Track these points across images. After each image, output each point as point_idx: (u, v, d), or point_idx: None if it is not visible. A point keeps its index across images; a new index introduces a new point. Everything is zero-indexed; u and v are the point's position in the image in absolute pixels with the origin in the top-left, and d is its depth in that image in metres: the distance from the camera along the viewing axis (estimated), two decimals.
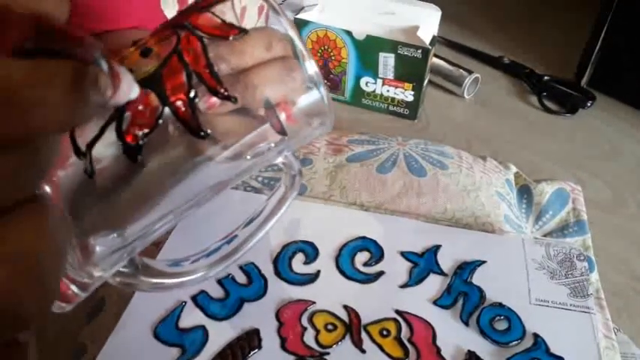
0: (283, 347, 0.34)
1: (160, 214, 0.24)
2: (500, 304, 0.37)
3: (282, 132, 0.24)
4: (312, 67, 0.23)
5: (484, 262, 0.39)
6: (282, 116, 0.24)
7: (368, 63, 0.63)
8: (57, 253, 0.15)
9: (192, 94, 0.21)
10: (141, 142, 0.21)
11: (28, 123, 0.12)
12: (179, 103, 0.21)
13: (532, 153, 0.63)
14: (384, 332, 0.35)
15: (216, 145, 0.23)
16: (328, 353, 0.34)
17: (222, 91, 0.22)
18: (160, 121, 0.21)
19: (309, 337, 0.35)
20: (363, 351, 0.34)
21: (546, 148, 0.64)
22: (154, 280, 0.26)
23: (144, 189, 0.23)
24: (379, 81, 0.64)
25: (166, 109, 0.21)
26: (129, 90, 0.18)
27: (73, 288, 0.22)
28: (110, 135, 0.21)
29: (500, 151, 0.61)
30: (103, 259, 0.22)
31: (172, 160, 0.23)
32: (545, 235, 0.47)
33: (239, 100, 0.22)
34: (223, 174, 0.25)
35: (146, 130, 0.21)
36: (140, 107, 0.21)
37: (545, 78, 0.73)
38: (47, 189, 0.21)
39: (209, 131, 0.22)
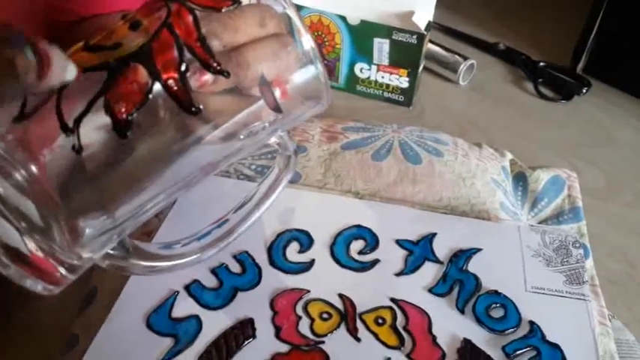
0: (278, 336, 0.34)
1: (150, 195, 0.23)
2: (496, 292, 0.36)
3: (276, 109, 0.24)
4: (308, 42, 0.23)
5: (480, 249, 0.39)
6: (277, 93, 0.23)
7: (362, 49, 0.62)
8: None
9: (183, 68, 0.21)
10: (130, 118, 0.20)
11: None
12: (170, 77, 0.20)
13: (528, 140, 0.62)
14: (380, 320, 0.35)
15: (208, 124, 0.22)
16: (323, 342, 0.34)
17: (214, 65, 0.21)
18: (150, 96, 0.20)
19: (303, 326, 0.34)
20: (358, 339, 0.34)
21: (542, 134, 0.64)
22: (146, 263, 0.26)
23: (134, 169, 0.22)
24: (374, 67, 0.63)
25: (156, 84, 0.20)
26: (62, 72, 0.17)
27: (62, 270, 0.22)
28: (99, 113, 0.20)
29: (495, 138, 0.60)
30: (92, 241, 0.22)
31: (163, 139, 0.22)
32: (540, 222, 0.47)
33: (232, 77, 0.22)
34: (215, 154, 0.25)
35: (136, 105, 0.20)
36: (129, 82, 0.20)
37: (541, 64, 0.73)
38: (34, 169, 0.20)
39: (201, 106, 0.21)
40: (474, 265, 0.38)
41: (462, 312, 0.35)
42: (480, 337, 0.34)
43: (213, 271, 0.37)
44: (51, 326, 0.42)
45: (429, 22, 0.61)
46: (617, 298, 0.48)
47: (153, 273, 0.27)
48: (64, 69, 0.17)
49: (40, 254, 0.20)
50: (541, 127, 0.65)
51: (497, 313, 0.35)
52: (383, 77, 0.63)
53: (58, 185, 0.20)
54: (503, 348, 0.33)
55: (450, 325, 0.35)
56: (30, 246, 0.20)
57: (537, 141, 0.62)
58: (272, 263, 0.38)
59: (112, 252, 0.24)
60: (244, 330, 0.34)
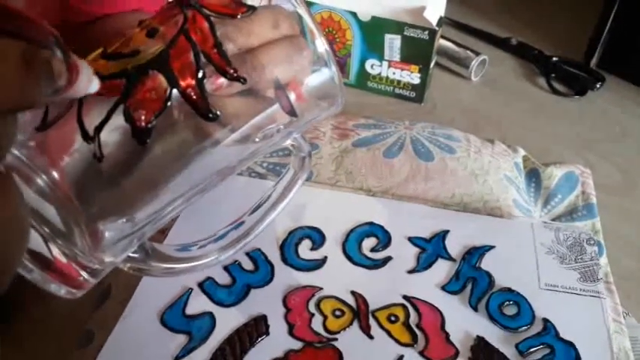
0: (291, 333, 0.34)
1: (169, 199, 0.24)
2: (510, 289, 0.36)
3: (291, 113, 0.24)
4: (322, 45, 0.23)
5: (493, 247, 0.39)
6: (292, 96, 0.23)
7: (373, 45, 0.62)
8: (18, 226, 0.15)
9: (200, 75, 0.21)
10: (150, 126, 0.20)
11: None
12: (187, 84, 0.21)
13: (540, 136, 0.62)
14: (392, 318, 0.35)
15: (224, 127, 0.22)
16: (336, 339, 0.34)
17: (231, 71, 0.21)
18: (169, 103, 0.20)
19: (316, 323, 0.34)
20: (371, 337, 0.34)
21: (555, 130, 0.63)
22: (165, 265, 0.26)
23: (151, 174, 0.22)
24: (385, 63, 0.63)
25: (174, 91, 0.21)
26: (88, 83, 0.17)
27: (84, 274, 0.22)
28: (118, 118, 0.20)
29: (508, 134, 0.60)
30: (113, 245, 0.22)
31: (180, 144, 0.22)
32: (554, 219, 0.47)
33: (247, 80, 0.22)
34: (231, 157, 0.25)
35: (155, 113, 0.20)
36: (148, 89, 0.20)
37: (554, 59, 0.72)
38: (54, 174, 0.20)
39: (218, 112, 0.21)
40: (487, 263, 0.38)
41: (476, 309, 0.35)
42: (493, 335, 0.34)
43: (227, 269, 0.37)
44: (66, 322, 0.43)
45: (441, 18, 0.60)
46: (632, 294, 0.47)
47: (171, 274, 0.27)
48: (90, 80, 0.18)
49: (63, 259, 0.21)
50: (554, 123, 0.64)
51: (510, 310, 0.35)
52: (394, 73, 0.63)
53: (78, 190, 0.20)
54: (517, 346, 0.33)
55: (463, 322, 0.35)
56: (53, 251, 0.20)
57: (550, 137, 0.62)
58: (284, 260, 0.38)
59: (132, 255, 0.25)
60: (257, 327, 0.34)
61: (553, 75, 0.70)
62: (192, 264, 0.27)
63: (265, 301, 0.36)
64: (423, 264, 0.38)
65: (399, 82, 0.64)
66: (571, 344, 0.33)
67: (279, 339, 0.33)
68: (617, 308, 0.39)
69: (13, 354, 0.41)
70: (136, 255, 0.25)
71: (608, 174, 0.58)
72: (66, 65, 0.15)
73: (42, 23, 0.14)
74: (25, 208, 0.16)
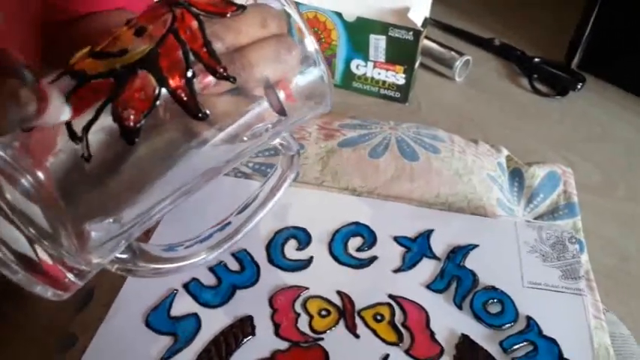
0: (277, 333, 0.34)
1: (156, 200, 0.24)
2: (494, 288, 0.37)
3: (281, 112, 0.24)
4: (311, 44, 0.23)
5: (477, 245, 0.39)
6: (282, 95, 0.23)
7: (358, 45, 0.62)
8: None
9: (190, 74, 0.21)
10: (138, 125, 0.20)
11: None
12: (177, 83, 0.20)
13: (523, 135, 0.63)
14: (378, 317, 0.35)
15: (212, 127, 0.22)
16: (322, 339, 0.34)
17: (220, 70, 0.21)
18: (157, 103, 0.20)
19: (302, 323, 0.35)
20: (357, 336, 0.34)
21: (537, 130, 0.64)
22: (153, 266, 0.26)
23: (138, 174, 0.22)
24: (370, 64, 0.63)
25: (163, 91, 0.20)
26: (59, 112, 0.17)
27: (70, 276, 0.22)
28: (106, 118, 0.20)
29: (491, 134, 0.61)
30: (101, 246, 0.22)
31: (167, 143, 0.22)
32: (536, 218, 0.48)
33: (236, 79, 0.22)
34: (219, 157, 0.25)
35: (144, 113, 0.20)
36: (136, 89, 0.20)
37: (536, 60, 0.73)
38: (39, 175, 0.20)
39: (207, 112, 0.21)
40: (471, 261, 0.38)
41: (460, 308, 0.36)
42: (477, 333, 0.34)
43: (212, 270, 0.37)
44: (48, 326, 0.42)
45: (426, 19, 0.61)
46: (612, 291, 0.48)
47: (159, 275, 0.27)
48: (60, 110, 0.18)
49: (49, 261, 0.20)
50: (536, 123, 0.66)
51: (494, 308, 0.36)
52: (379, 74, 0.64)
53: (64, 191, 0.20)
54: (501, 343, 0.34)
55: (448, 320, 0.35)
56: (39, 253, 0.20)
57: (533, 136, 0.63)
58: (270, 261, 0.38)
59: (119, 256, 0.24)
60: (243, 328, 0.34)
61: (535, 75, 0.71)
62: (181, 264, 0.27)
63: (251, 302, 0.36)
64: (408, 263, 0.38)
65: (384, 82, 0.64)
66: (553, 341, 0.34)
67: (265, 339, 0.33)
68: (598, 305, 0.40)
69: None
70: (123, 256, 0.24)
71: (589, 174, 0.59)
72: (36, 94, 0.15)
73: (9, 51, 0.14)
74: None
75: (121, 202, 0.23)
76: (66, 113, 0.18)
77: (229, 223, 0.31)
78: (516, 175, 0.50)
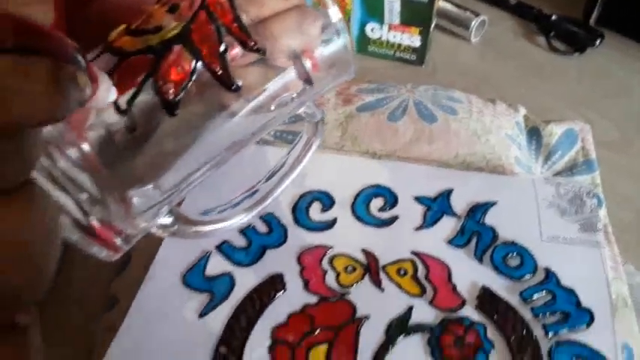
0: (306, 288, 0.36)
1: (190, 170, 0.25)
2: (513, 242, 0.38)
3: (308, 81, 0.25)
4: (335, 14, 0.24)
5: (496, 202, 0.41)
6: (308, 64, 0.24)
7: (373, 8, 0.62)
8: (45, 236, 0.16)
9: (222, 48, 0.22)
10: (178, 98, 0.21)
11: (10, 112, 0.13)
12: (211, 57, 0.22)
13: (541, 94, 0.63)
14: (402, 272, 0.37)
15: (242, 98, 0.24)
16: (349, 292, 0.36)
17: (251, 44, 0.22)
18: (194, 76, 0.21)
19: (330, 279, 0.36)
20: (382, 289, 0.36)
21: (555, 88, 0.64)
22: (194, 229, 0.28)
23: (174, 144, 0.24)
24: (385, 27, 0.63)
25: (199, 64, 0.22)
26: (107, 93, 0.19)
27: (118, 240, 0.24)
28: (146, 92, 0.21)
29: (509, 94, 0.61)
30: (144, 212, 0.24)
31: (201, 116, 0.24)
32: (554, 175, 0.48)
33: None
34: (248, 128, 0.26)
35: (182, 86, 0.21)
36: (174, 63, 0.21)
37: (553, 17, 0.72)
38: (84, 147, 0.21)
39: (240, 83, 0.22)
40: (490, 218, 0.40)
41: (481, 261, 0.37)
42: (498, 285, 0.36)
43: (242, 232, 0.39)
44: (88, 289, 0.45)
45: None
46: (629, 245, 0.49)
47: (200, 236, 0.28)
48: (109, 91, 0.19)
49: (98, 225, 0.22)
50: (554, 81, 0.65)
51: (514, 261, 0.37)
52: (395, 37, 0.63)
53: (108, 160, 0.22)
54: (521, 294, 0.35)
55: (469, 274, 0.36)
56: (90, 217, 0.22)
57: (551, 95, 0.63)
58: (297, 222, 0.40)
59: (163, 222, 0.26)
60: (275, 284, 0.36)
61: (552, 33, 0.70)
62: (218, 226, 0.28)
63: (280, 261, 0.37)
64: (429, 221, 0.40)
65: (399, 45, 0.64)
66: (571, 291, 0.35)
67: (295, 294, 0.35)
68: (616, 258, 0.41)
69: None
70: (166, 221, 0.26)
71: (607, 130, 0.59)
72: (90, 78, 0.16)
73: (65, 38, 0.15)
74: (53, 217, 0.17)
75: (159, 171, 0.24)
76: (113, 94, 0.19)
77: (257, 190, 0.33)
78: (534, 134, 0.50)
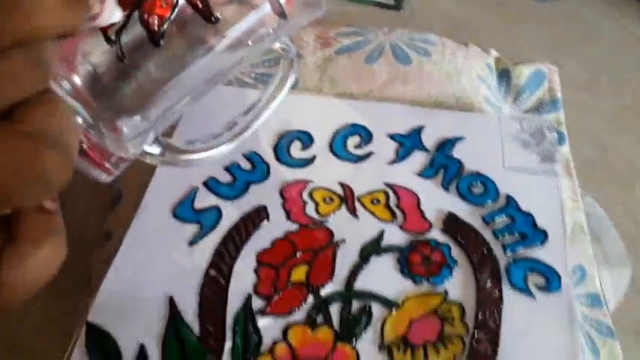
0: (288, 218, 0.39)
1: (173, 101, 0.27)
2: (477, 173, 0.41)
3: (282, 15, 0.27)
4: None
5: (463, 137, 0.44)
6: (282, 0, 0.26)
7: None
8: (71, 129, 0.18)
9: None
10: (162, 30, 0.23)
11: (29, 21, 0.15)
12: None
13: (515, 38, 0.65)
14: (375, 201, 0.40)
15: (220, 32, 0.26)
16: (327, 221, 0.39)
17: None
18: (176, 9, 0.24)
19: (310, 209, 0.40)
20: (357, 217, 0.39)
21: (529, 32, 0.66)
22: (182, 157, 0.30)
23: (159, 75, 0.26)
24: None
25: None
26: (111, 13, 0.21)
27: (108, 165, 0.26)
28: (134, 24, 0.23)
29: (483, 38, 0.63)
30: (133, 139, 0.26)
31: (183, 49, 0.26)
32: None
33: None
34: (226, 61, 0.28)
35: (165, 18, 0.23)
36: None
37: None
38: (74, 79, 0.24)
39: (219, 15, 0.24)
40: (457, 152, 0.43)
41: (447, 190, 0.41)
42: (462, 210, 0.39)
43: (227, 169, 0.42)
44: (81, 225, 0.48)
45: None
46: (591, 178, 0.53)
47: (189, 165, 0.31)
48: (114, 11, 0.21)
49: (93, 149, 0.25)
50: (529, 26, 0.67)
51: (478, 190, 0.41)
52: None
53: (96, 91, 0.24)
54: (483, 218, 0.39)
55: (437, 201, 0.40)
56: (84, 141, 0.24)
57: (524, 38, 0.65)
58: (278, 159, 0.43)
59: (151, 151, 0.29)
60: (259, 214, 0.39)
61: None
62: (206, 154, 0.31)
63: (264, 194, 0.40)
64: (401, 156, 0.43)
65: None
66: (529, 214, 0.39)
67: (278, 223, 0.39)
68: (576, 189, 0.44)
69: None
70: (155, 151, 0.29)
71: (576, 72, 0.62)
72: None
73: None
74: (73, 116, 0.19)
75: (146, 101, 0.27)
76: (117, 14, 0.21)
77: (237, 123, 0.35)
78: (504, 75, 0.53)
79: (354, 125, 0.45)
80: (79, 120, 0.24)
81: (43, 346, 0.46)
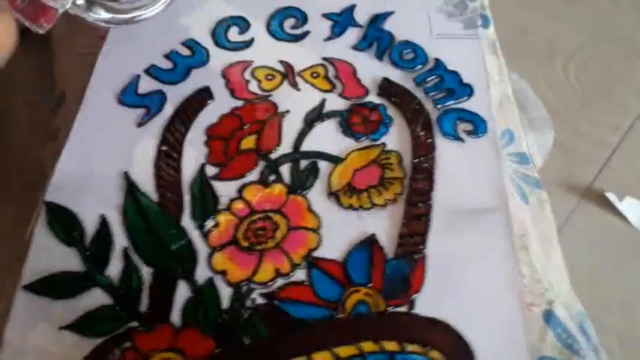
0: (233, 95, 0.40)
1: None
2: (407, 41, 0.44)
3: None
4: None
5: (393, 12, 0.46)
6: None
7: None
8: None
9: None
10: None
11: None
12: None
13: None
14: (315, 75, 0.42)
15: None
16: (271, 95, 0.41)
17: None
18: None
19: (253, 86, 0.41)
20: (299, 89, 0.41)
21: None
22: (108, 15, 0.31)
23: None
24: None
25: None
26: None
27: (42, 20, 0.27)
28: None
29: None
30: None
31: None
32: None
33: None
34: None
35: None
36: None
37: None
38: None
39: None
40: (388, 25, 0.45)
41: (381, 60, 0.43)
42: (395, 76, 0.42)
43: (167, 56, 0.42)
44: (28, 132, 0.47)
45: None
46: (514, 56, 0.57)
47: (131, 22, 0.32)
48: None
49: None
50: None
51: (409, 56, 0.43)
52: None
53: None
54: (415, 80, 0.42)
55: (372, 70, 0.42)
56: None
57: None
58: (217, 44, 0.44)
59: (79, 3, 0.29)
60: (203, 95, 0.40)
61: None
62: (138, 13, 0.32)
63: (206, 77, 0.41)
64: (336, 32, 0.45)
65: None
66: (456, 72, 0.42)
67: (223, 101, 0.40)
68: (502, 66, 0.48)
69: None
70: (82, 3, 0.30)
71: None
72: None
73: None
74: None
75: None
76: None
77: None
78: None
79: (288, 8, 0.46)
80: None
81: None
